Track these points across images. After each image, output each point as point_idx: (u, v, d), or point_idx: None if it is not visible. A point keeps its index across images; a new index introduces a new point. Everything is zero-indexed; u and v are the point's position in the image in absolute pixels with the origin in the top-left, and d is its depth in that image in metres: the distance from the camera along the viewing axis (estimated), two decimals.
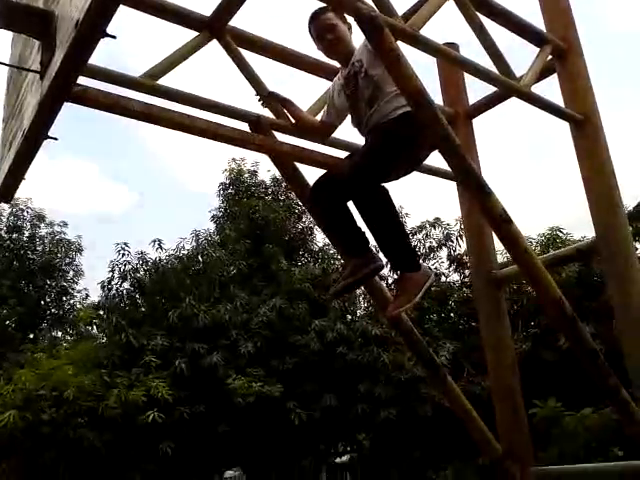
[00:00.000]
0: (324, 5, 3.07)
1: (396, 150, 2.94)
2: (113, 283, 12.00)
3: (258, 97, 3.38)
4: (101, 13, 1.92)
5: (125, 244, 11.94)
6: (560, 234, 12.63)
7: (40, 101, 2.28)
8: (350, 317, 12.53)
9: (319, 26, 3.12)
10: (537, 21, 3.89)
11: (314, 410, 10.48)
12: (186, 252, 12.28)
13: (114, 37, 2.08)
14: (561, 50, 3.73)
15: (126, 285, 12.03)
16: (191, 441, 10.23)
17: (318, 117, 3.53)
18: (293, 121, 3.41)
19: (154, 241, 12.13)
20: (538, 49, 3.66)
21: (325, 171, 3.23)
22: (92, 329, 12.91)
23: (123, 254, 11.90)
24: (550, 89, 3.93)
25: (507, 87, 3.28)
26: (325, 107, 3.47)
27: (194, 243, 12.48)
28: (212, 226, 13.82)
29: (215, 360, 10.15)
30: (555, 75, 3.82)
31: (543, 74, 3.66)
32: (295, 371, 10.69)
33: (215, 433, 10.21)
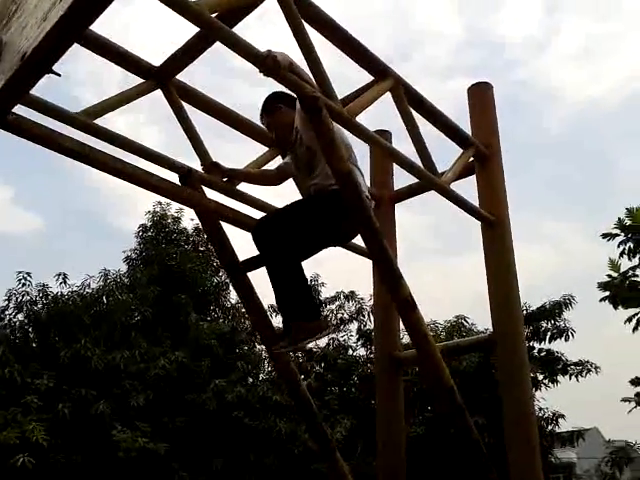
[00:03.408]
0: (266, 97, 3.41)
1: (322, 221, 3.09)
2: (7, 312, 11.30)
3: (202, 166, 3.46)
4: (52, 50, 1.93)
5: (28, 274, 11.35)
6: (465, 323, 13.15)
7: None
8: (252, 380, 12.32)
9: (263, 124, 3.52)
10: (465, 123, 4.23)
11: (200, 474, 10.06)
12: (91, 291, 11.80)
13: (59, 75, 2.09)
14: (483, 155, 4.04)
15: (20, 317, 11.36)
16: None
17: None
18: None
19: (59, 274, 11.62)
20: (462, 150, 3.95)
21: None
22: None
23: (24, 284, 11.30)
24: (469, 187, 4.23)
25: (428, 181, 3.51)
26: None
27: (101, 282, 12.02)
28: (124, 267, 13.41)
29: (102, 409, 9.62)
30: (474, 176, 4.12)
31: (464, 173, 3.94)
32: (186, 430, 10.29)
33: None
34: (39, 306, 11.34)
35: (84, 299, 11.50)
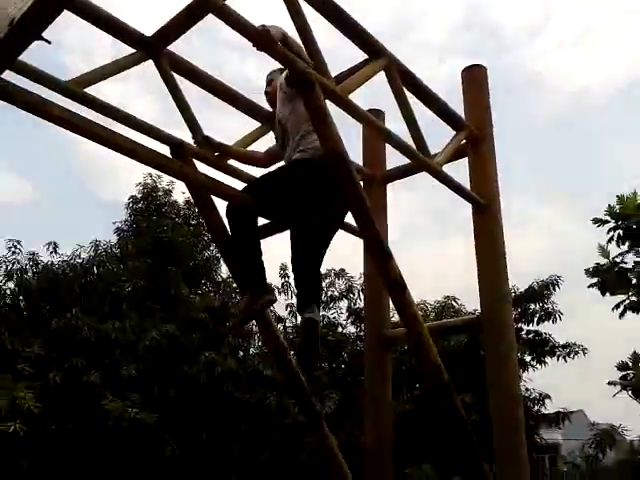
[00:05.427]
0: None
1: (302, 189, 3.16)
2: None
3: (193, 140, 3.44)
4: (40, 17, 1.91)
5: (18, 242, 11.31)
6: (455, 303, 13.25)
7: None
8: (242, 354, 12.41)
9: (266, 95, 3.63)
10: (458, 105, 4.21)
11: (189, 444, 10.19)
12: (81, 260, 11.79)
13: (49, 42, 2.07)
14: (475, 137, 4.03)
15: (10, 285, 11.35)
16: (51, 458, 9.62)
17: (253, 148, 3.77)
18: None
19: (49, 243, 11.59)
20: (454, 132, 3.94)
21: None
22: None
23: (14, 252, 11.26)
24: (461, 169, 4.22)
25: (421, 162, 3.50)
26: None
27: (92, 253, 11.98)
28: (115, 238, 13.36)
29: (93, 378, 9.69)
30: (466, 159, 4.11)
31: (456, 156, 3.93)
32: (177, 402, 10.39)
33: (80, 453, 9.67)
34: (29, 275, 11.32)
35: (74, 269, 11.49)
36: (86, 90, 2.99)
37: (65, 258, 11.67)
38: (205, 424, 10.45)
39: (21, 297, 11.41)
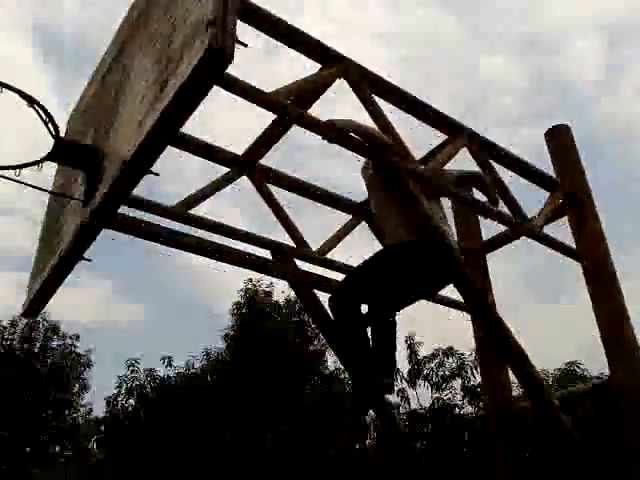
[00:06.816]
0: None
1: (397, 272, 3.06)
2: (119, 399, 11.85)
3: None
4: (148, 155, 2.11)
5: (136, 360, 11.96)
6: (577, 369, 12.34)
7: (81, 226, 2.44)
8: (357, 446, 12.02)
9: None
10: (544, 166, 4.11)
11: None
12: (195, 370, 12.20)
13: (157, 174, 2.27)
14: (572, 196, 3.89)
15: (131, 401, 11.88)
16: None
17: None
18: None
19: (164, 358, 12.15)
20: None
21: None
22: (93, 445, 12.61)
23: (132, 370, 11.87)
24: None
25: (518, 228, 3.43)
26: None
27: (204, 362, 12.42)
28: (222, 345, 13.75)
29: None
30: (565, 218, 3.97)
31: (554, 216, 3.82)
32: None
33: None
34: (148, 389, 11.84)
35: (189, 380, 11.91)
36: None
37: (180, 370, 12.16)
38: None
39: (142, 412, 11.85)
